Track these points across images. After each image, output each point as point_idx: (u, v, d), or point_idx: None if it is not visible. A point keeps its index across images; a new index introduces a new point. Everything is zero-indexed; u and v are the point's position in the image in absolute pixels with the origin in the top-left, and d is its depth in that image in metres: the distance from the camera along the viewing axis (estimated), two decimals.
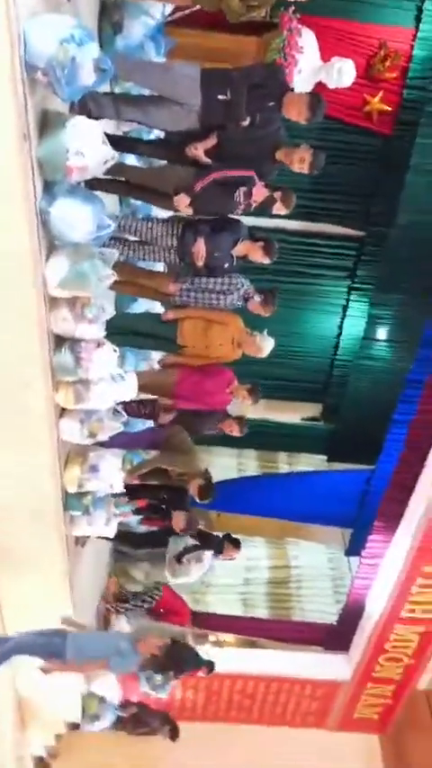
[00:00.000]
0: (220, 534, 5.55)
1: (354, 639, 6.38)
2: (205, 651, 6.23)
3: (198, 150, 3.31)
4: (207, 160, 3.37)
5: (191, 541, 5.28)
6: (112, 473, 3.90)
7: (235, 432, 4.54)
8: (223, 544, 5.34)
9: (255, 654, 6.71)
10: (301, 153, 3.44)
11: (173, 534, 5.27)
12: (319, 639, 6.66)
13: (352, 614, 6.29)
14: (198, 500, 4.75)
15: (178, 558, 5.31)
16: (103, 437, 3.66)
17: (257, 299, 3.96)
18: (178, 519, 4.77)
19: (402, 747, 6.90)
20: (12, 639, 3.93)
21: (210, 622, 6.48)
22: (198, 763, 6.34)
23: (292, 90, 3.39)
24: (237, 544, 5.37)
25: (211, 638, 7.09)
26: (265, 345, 4.16)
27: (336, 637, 6.55)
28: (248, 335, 4.11)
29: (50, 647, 3.86)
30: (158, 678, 5.35)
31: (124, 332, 3.74)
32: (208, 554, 5.39)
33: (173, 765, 6.18)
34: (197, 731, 6.55)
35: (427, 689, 6.76)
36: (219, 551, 5.37)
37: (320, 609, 7.19)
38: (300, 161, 3.44)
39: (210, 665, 5.35)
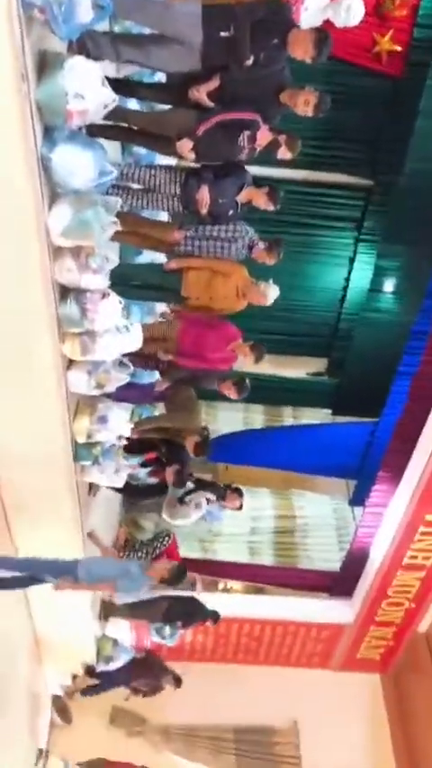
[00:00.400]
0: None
1: (357, 585, 6.56)
2: (215, 598, 6.49)
3: (201, 93, 3.21)
4: (210, 103, 3.28)
5: (192, 486, 5.37)
6: (120, 424, 3.96)
7: (232, 394, 4.47)
8: (225, 491, 5.44)
9: (261, 599, 6.92)
10: (305, 95, 3.34)
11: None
12: (324, 586, 6.85)
13: (355, 561, 6.46)
14: (194, 456, 4.83)
15: (180, 499, 5.38)
16: (110, 388, 3.70)
17: (262, 245, 3.91)
18: (168, 473, 4.86)
19: (403, 686, 7.18)
20: (26, 559, 4.08)
21: (218, 570, 6.67)
22: (207, 702, 6.64)
23: (298, 27, 3.26)
24: (239, 492, 5.46)
25: (220, 585, 7.32)
26: (270, 293, 4.11)
27: (340, 583, 6.73)
28: (253, 285, 4.07)
29: (63, 567, 3.99)
30: (167, 630, 5.61)
31: (127, 283, 3.71)
32: (208, 497, 5.46)
33: (184, 704, 6.46)
34: (207, 672, 6.85)
35: (427, 631, 6.99)
36: (221, 497, 5.47)
37: (325, 557, 7.37)
38: (304, 103, 3.34)
39: (215, 616, 5.57)
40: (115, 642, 6.10)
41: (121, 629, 6.03)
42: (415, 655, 7.02)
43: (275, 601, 6.92)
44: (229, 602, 6.73)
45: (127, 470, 4.50)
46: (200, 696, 6.60)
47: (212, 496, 5.47)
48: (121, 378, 3.72)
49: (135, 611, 5.99)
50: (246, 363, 4.35)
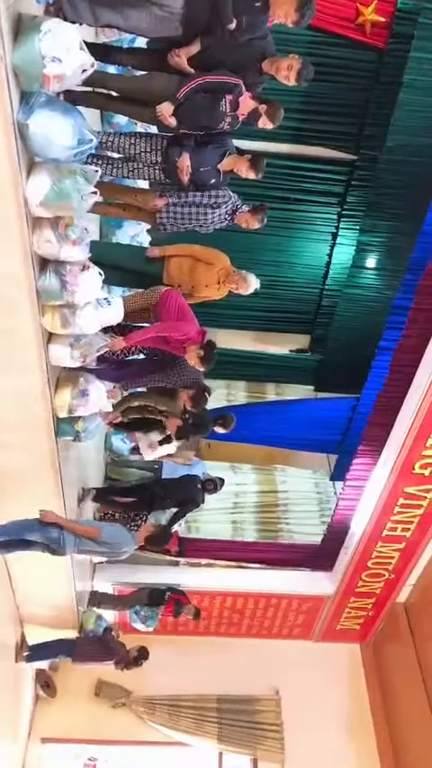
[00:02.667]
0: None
1: (338, 557, 6.67)
2: (198, 573, 6.57)
3: (181, 57, 3.15)
4: (190, 69, 3.22)
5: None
6: (101, 399, 3.95)
7: (187, 404, 4.38)
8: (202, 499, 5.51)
9: (243, 573, 7.01)
10: (288, 61, 3.29)
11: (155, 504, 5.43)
12: (306, 560, 6.95)
13: (336, 535, 6.56)
14: (175, 439, 4.81)
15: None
16: (92, 357, 3.68)
17: (246, 208, 3.87)
18: (172, 424, 4.79)
19: (382, 655, 7.38)
20: (11, 523, 4.06)
21: (200, 548, 6.72)
22: (191, 674, 6.76)
23: None
24: (215, 488, 5.53)
25: (203, 561, 7.40)
26: (251, 283, 4.09)
27: (321, 556, 6.84)
28: (234, 274, 4.04)
29: (49, 528, 4.01)
30: (146, 612, 5.68)
31: (109, 268, 3.65)
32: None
33: (169, 675, 6.58)
34: (190, 644, 6.96)
35: (405, 601, 7.16)
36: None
37: (307, 531, 7.47)
38: (287, 68, 3.29)
39: (197, 613, 5.99)
40: (99, 617, 6.17)
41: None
42: (394, 624, 7.20)
43: (257, 574, 7.01)
44: (211, 575, 6.81)
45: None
46: (184, 668, 6.73)
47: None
48: (101, 342, 3.68)
49: (122, 599, 6.10)
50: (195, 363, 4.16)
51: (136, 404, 4.97)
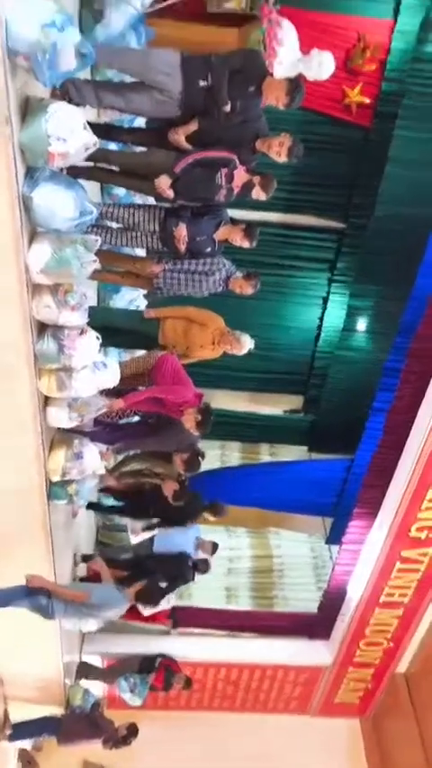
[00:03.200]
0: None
1: (335, 625, 6.48)
2: (190, 641, 6.35)
3: (179, 135, 3.32)
4: (188, 146, 3.39)
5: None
6: (95, 461, 3.93)
7: (181, 468, 4.45)
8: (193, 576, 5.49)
9: (237, 642, 6.78)
10: (279, 139, 3.48)
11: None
12: (302, 628, 6.75)
13: (333, 601, 6.39)
14: (172, 502, 4.79)
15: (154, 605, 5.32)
16: (89, 417, 3.68)
17: (239, 275, 3.98)
18: (168, 487, 4.78)
19: (382, 730, 7.04)
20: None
21: (193, 617, 6.52)
22: (183, 753, 6.41)
23: (272, 75, 3.42)
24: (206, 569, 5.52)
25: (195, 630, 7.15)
26: (246, 342, 4.18)
27: (318, 624, 6.64)
28: (229, 334, 4.12)
29: (38, 594, 3.93)
30: (135, 679, 5.46)
31: (106, 330, 3.72)
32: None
33: (159, 754, 6.23)
34: (181, 720, 6.63)
35: (405, 672, 6.91)
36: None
37: (303, 597, 7.28)
38: (279, 145, 3.48)
39: (189, 682, 5.84)
40: (86, 691, 5.91)
41: (95, 685, 5.90)
42: (394, 697, 6.91)
43: (252, 643, 6.79)
44: (204, 645, 6.58)
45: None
46: (175, 746, 6.39)
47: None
48: (98, 403, 3.70)
49: (111, 669, 5.87)
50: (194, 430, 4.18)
51: (132, 467, 4.97)
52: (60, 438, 3.92)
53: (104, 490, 5.36)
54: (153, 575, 5.07)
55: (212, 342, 4.15)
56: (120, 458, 5.11)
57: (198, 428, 3.97)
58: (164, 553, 5.37)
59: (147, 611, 5.46)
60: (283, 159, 3.57)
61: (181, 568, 5.37)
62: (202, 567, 5.51)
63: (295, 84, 3.32)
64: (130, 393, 4.10)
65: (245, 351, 4.20)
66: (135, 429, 4.45)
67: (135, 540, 5.50)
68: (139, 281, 4.12)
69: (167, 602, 5.54)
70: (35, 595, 3.93)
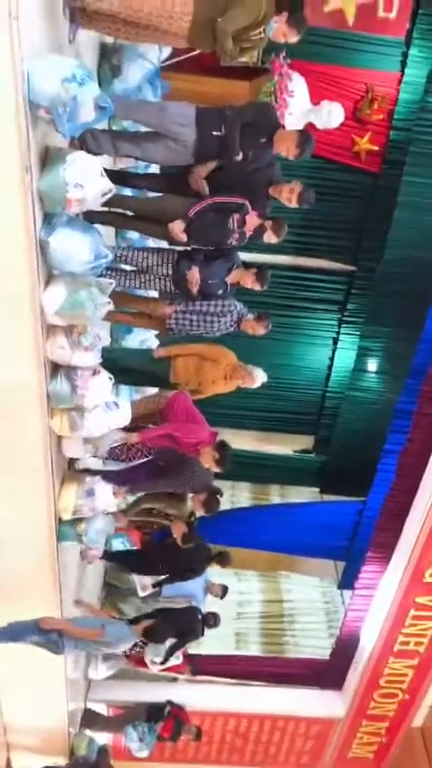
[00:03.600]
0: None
1: (348, 675, 6.27)
2: (197, 689, 6.16)
3: (199, 173, 3.42)
4: (205, 186, 3.49)
5: (170, 642, 5.29)
6: (107, 497, 3.90)
7: (200, 509, 4.42)
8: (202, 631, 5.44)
9: (247, 691, 6.57)
10: (290, 186, 3.58)
11: None
12: (313, 677, 6.53)
13: (345, 648, 6.21)
14: (181, 544, 4.76)
15: (164, 661, 5.36)
16: (104, 449, 3.73)
17: (251, 316, 4.00)
18: (177, 529, 4.74)
19: None
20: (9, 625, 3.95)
21: (202, 665, 6.34)
22: None
23: (284, 127, 3.54)
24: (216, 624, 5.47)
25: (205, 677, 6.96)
26: (258, 376, 4.18)
27: (330, 673, 6.43)
28: (241, 368, 4.14)
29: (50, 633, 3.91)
30: (145, 731, 5.31)
31: (118, 369, 3.75)
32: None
33: None
34: None
35: (422, 726, 6.64)
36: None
37: (314, 644, 7.08)
38: (289, 191, 3.57)
39: (198, 733, 5.72)
40: (91, 740, 5.72)
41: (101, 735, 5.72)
42: (410, 752, 6.63)
43: (262, 692, 6.57)
44: (213, 694, 6.38)
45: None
46: None
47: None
48: (114, 436, 3.74)
49: (117, 718, 5.72)
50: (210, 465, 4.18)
51: (143, 506, 4.96)
52: (71, 476, 3.92)
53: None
54: (159, 638, 5.02)
55: (225, 377, 4.15)
56: (132, 498, 5.08)
57: (218, 466, 3.97)
58: (173, 608, 5.26)
59: (155, 668, 5.37)
60: (293, 205, 3.65)
61: (191, 624, 5.30)
62: (212, 621, 5.43)
63: (305, 136, 3.43)
64: (145, 429, 4.11)
65: (258, 384, 4.19)
66: (147, 470, 4.43)
67: (143, 594, 5.46)
68: (151, 322, 4.17)
69: (177, 659, 5.45)
70: (47, 632, 3.90)
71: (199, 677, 6.26)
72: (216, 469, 4.03)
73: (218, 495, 4.38)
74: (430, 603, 5.52)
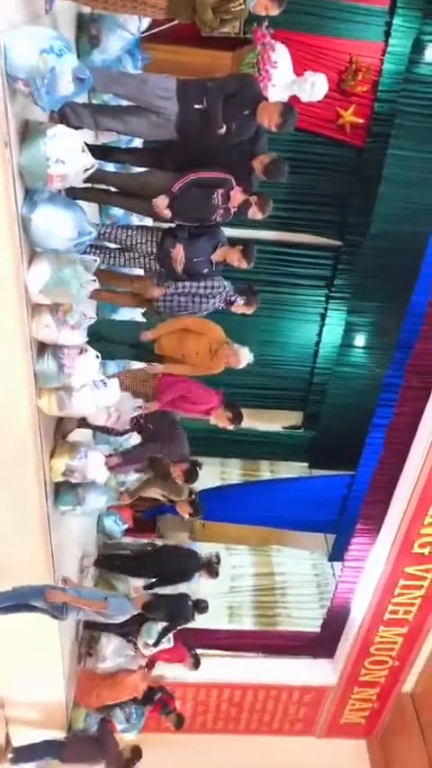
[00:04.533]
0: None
1: (339, 644, 6.41)
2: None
3: (161, 202, 3.45)
4: (169, 214, 3.51)
5: (162, 625, 5.44)
6: (98, 463, 3.95)
7: (179, 479, 4.51)
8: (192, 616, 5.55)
9: (241, 663, 6.70)
10: (261, 157, 3.53)
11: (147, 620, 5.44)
12: (306, 648, 6.67)
13: (336, 619, 6.34)
14: (194, 516, 4.95)
15: (156, 643, 5.45)
16: (126, 416, 3.90)
17: (240, 301, 3.99)
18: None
19: (389, 751, 6.93)
20: (14, 589, 4.00)
21: (196, 639, 6.45)
22: None
23: (267, 99, 3.48)
24: (204, 609, 5.60)
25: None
26: (243, 356, 4.12)
27: (321, 643, 6.58)
28: (227, 346, 4.09)
29: (53, 586, 4.04)
30: (132, 710, 5.43)
31: (102, 341, 3.74)
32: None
33: None
34: (185, 743, 6.52)
35: (412, 691, 6.82)
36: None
37: (306, 615, 7.22)
38: (259, 162, 3.54)
39: (179, 723, 5.86)
40: (88, 714, 5.81)
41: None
42: (400, 716, 6.82)
43: (256, 663, 6.71)
44: (208, 666, 6.49)
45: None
46: None
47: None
48: (134, 403, 3.90)
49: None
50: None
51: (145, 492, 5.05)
52: (64, 443, 3.93)
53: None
54: (155, 613, 5.19)
55: (210, 351, 4.10)
56: (137, 477, 5.15)
57: (232, 423, 4.13)
58: (165, 594, 5.37)
59: (147, 650, 5.48)
60: (261, 177, 3.61)
61: (182, 608, 5.43)
62: (203, 606, 5.59)
63: (288, 107, 3.37)
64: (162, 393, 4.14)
65: (243, 364, 4.15)
66: (140, 447, 4.52)
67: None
68: (136, 300, 4.14)
69: (169, 642, 5.57)
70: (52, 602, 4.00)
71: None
72: (230, 427, 4.19)
73: (197, 467, 4.51)
74: (419, 573, 5.63)
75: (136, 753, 5.13)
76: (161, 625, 5.40)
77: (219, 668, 6.55)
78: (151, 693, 5.71)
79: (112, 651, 5.54)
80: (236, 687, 6.59)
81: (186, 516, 4.97)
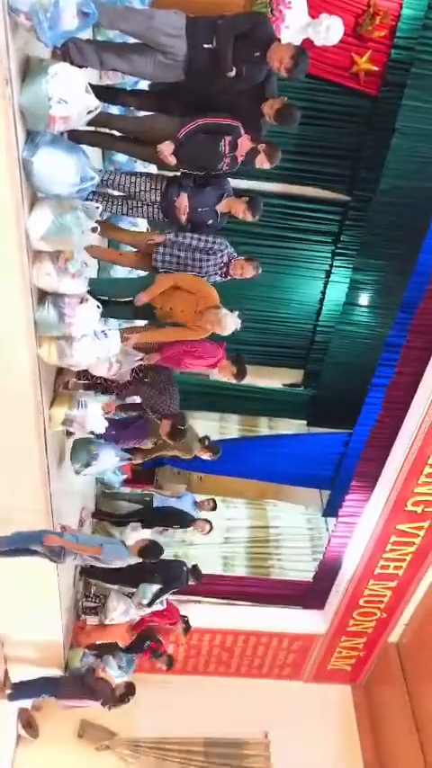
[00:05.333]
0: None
1: (329, 596, 6.59)
2: (186, 608, 6.46)
3: (166, 149, 3.34)
4: (173, 160, 3.39)
5: (157, 587, 5.52)
6: (97, 414, 3.99)
7: (164, 432, 4.36)
8: (186, 580, 5.68)
9: (233, 610, 6.90)
10: (272, 101, 3.40)
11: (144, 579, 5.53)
12: (297, 597, 6.86)
13: (328, 572, 6.50)
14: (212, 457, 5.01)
15: (150, 604, 5.55)
16: (127, 366, 3.87)
17: (242, 258, 3.93)
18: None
19: (373, 697, 7.23)
20: (14, 534, 4.16)
21: (190, 586, 6.62)
22: (178, 715, 6.59)
23: (279, 40, 3.33)
24: (198, 576, 5.73)
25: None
26: (230, 322, 3.87)
27: (312, 594, 6.76)
28: (215, 309, 3.85)
29: (51, 531, 4.19)
30: (123, 657, 5.64)
31: (103, 300, 3.67)
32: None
33: (155, 716, 6.40)
34: (177, 684, 6.80)
35: (398, 641, 7.05)
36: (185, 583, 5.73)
37: (299, 568, 7.39)
38: (270, 107, 3.40)
39: (170, 663, 6.05)
40: (85, 654, 6.03)
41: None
42: (385, 665, 7.07)
43: (247, 611, 6.91)
44: (200, 612, 6.70)
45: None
46: (171, 709, 6.56)
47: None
48: (136, 355, 3.88)
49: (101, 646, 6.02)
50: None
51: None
52: (64, 393, 3.95)
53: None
54: (151, 575, 5.36)
55: (195, 310, 3.88)
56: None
57: (236, 378, 4.14)
58: (162, 559, 5.37)
59: (141, 611, 5.62)
60: (272, 122, 3.46)
61: (177, 572, 5.59)
62: (198, 573, 5.75)
63: (301, 50, 3.22)
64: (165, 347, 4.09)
65: (228, 331, 3.92)
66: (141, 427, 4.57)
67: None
68: (138, 261, 4.03)
69: (162, 604, 5.73)
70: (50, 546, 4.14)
71: (187, 597, 6.56)
72: (235, 381, 4.20)
73: (183, 426, 4.36)
74: (410, 530, 5.74)
75: (130, 688, 5.34)
76: (156, 587, 5.54)
77: (212, 615, 6.76)
78: (140, 641, 5.89)
79: (120, 613, 5.71)
80: (228, 633, 6.81)
81: (209, 457, 5.00)
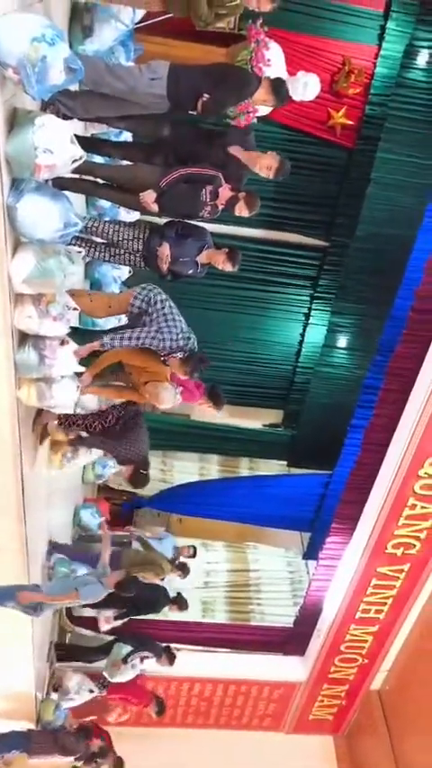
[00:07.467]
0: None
1: (310, 641, 6.47)
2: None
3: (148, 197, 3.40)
4: (156, 207, 3.45)
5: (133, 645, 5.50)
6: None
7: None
8: (161, 652, 5.64)
9: (212, 657, 6.72)
10: (268, 160, 3.54)
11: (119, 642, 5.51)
12: (277, 644, 6.72)
13: (308, 616, 6.39)
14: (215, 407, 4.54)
15: (124, 660, 5.48)
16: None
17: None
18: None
19: (356, 747, 7.04)
20: None
21: (168, 631, 6.47)
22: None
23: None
24: (172, 656, 5.69)
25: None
26: (166, 398, 3.80)
27: (293, 640, 6.63)
28: (156, 382, 3.82)
29: (24, 587, 4.07)
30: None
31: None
32: (145, 656, 5.66)
33: None
34: (154, 737, 6.55)
35: (380, 689, 6.92)
36: (158, 656, 5.68)
37: (279, 612, 7.28)
38: (267, 168, 3.54)
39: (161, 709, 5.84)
40: (58, 706, 5.81)
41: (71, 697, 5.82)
42: (368, 714, 6.91)
43: (226, 658, 6.74)
44: (179, 660, 6.51)
45: None
46: (148, 763, 6.29)
47: (149, 654, 5.66)
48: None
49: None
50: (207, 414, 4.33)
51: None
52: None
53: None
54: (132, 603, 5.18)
55: (140, 381, 3.89)
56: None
57: (216, 409, 4.11)
58: (143, 582, 5.32)
59: (104, 626, 5.49)
60: (270, 177, 3.62)
61: (154, 599, 5.49)
62: (182, 603, 5.67)
63: (279, 81, 3.37)
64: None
65: (165, 406, 3.87)
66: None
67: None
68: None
69: (134, 669, 5.61)
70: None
71: (165, 644, 6.38)
72: (216, 412, 4.15)
73: (145, 471, 4.32)
74: (391, 573, 5.71)
75: (102, 751, 5.16)
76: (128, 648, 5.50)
77: (190, 663, 6.57)
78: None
79: (76, 684, 5.63)
80: (207, 681, 6.62)
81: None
